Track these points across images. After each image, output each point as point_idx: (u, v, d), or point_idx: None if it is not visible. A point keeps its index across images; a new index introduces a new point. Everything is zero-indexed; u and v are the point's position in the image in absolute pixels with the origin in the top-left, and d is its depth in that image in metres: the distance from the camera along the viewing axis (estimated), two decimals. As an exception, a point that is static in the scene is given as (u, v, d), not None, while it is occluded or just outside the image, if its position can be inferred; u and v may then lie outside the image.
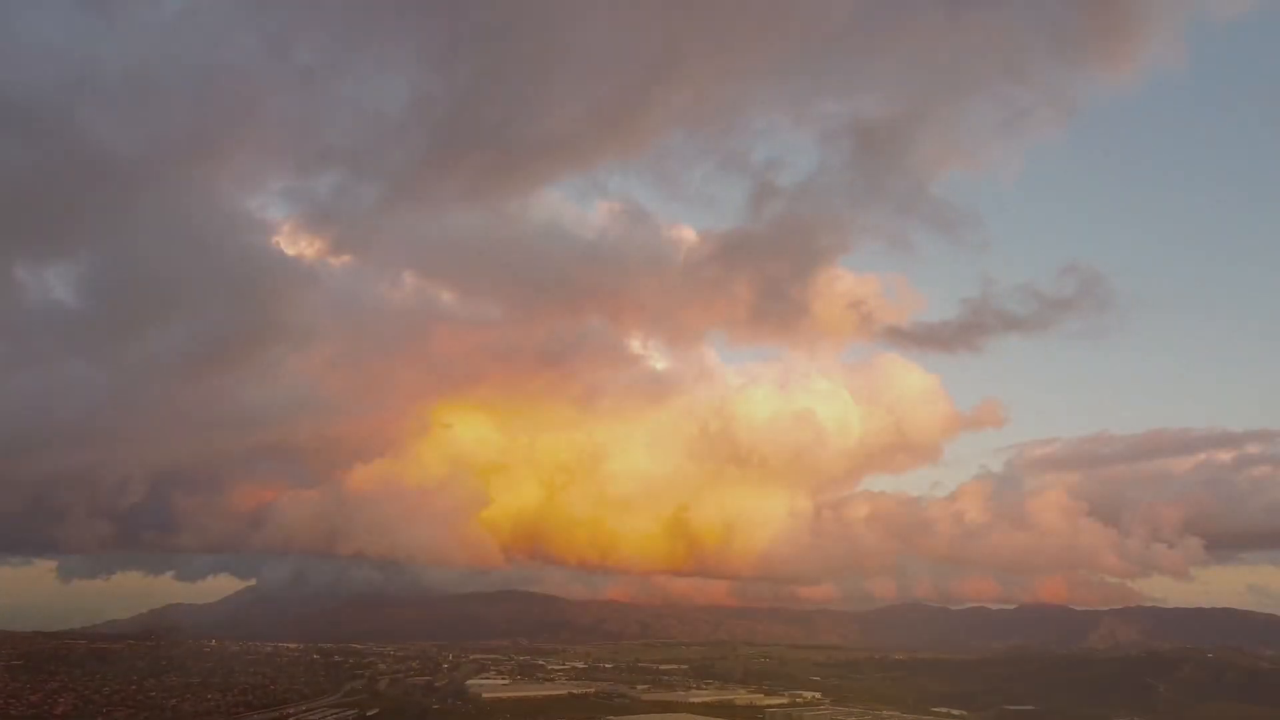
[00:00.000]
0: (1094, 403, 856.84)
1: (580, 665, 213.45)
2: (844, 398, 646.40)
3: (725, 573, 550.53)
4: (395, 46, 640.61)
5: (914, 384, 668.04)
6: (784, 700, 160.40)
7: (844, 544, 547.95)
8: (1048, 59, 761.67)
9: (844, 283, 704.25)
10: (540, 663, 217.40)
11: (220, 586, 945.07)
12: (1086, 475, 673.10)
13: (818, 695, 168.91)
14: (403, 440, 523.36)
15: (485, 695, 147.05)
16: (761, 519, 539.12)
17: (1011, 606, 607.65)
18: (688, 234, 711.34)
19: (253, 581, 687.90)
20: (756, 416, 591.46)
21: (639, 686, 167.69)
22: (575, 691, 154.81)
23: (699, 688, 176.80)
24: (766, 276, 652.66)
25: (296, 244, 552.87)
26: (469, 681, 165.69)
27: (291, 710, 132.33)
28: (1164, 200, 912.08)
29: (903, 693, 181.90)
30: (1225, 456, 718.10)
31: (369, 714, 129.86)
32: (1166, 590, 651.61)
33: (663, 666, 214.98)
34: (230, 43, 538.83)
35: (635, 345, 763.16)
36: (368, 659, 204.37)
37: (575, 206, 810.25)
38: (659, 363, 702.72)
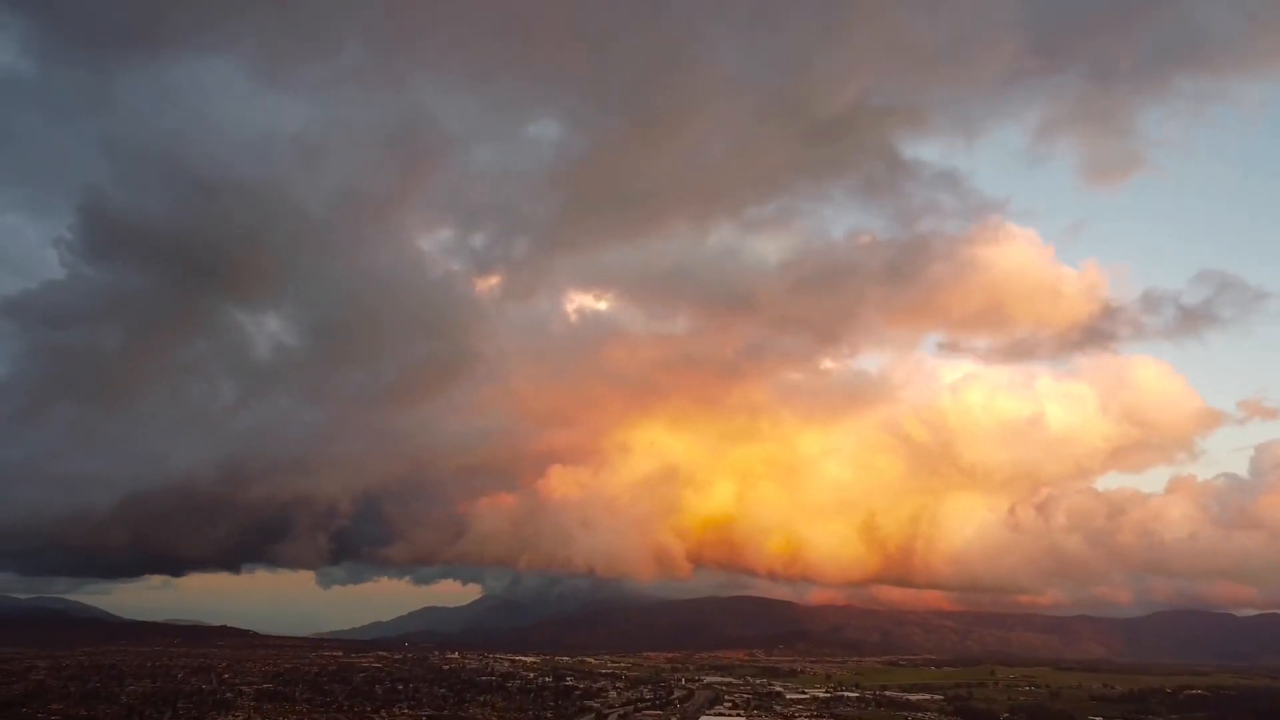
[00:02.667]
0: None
1: (820, 693, 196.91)
2: (1072, 395, 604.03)
3: (937, 582, 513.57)
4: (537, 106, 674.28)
5: (1150, 378, 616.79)
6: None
7: (1070, 547, 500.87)
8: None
9: (1066, 280, 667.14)
10: (777, 688, 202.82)
11: (452, 591, 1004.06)
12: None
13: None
14: (597, 455, 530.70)
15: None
16: (978, 524, 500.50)
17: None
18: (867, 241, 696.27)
19: (477, 587, 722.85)
20: (972, 418, 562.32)
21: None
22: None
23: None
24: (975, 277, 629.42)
25: (480, 283, 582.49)
26: (701, 717, 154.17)
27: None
28: None
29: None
30: None
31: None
32: None
33: (913, 696, 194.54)
34: (384, 109, 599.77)
35: (840, 351, 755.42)
36: (599, 683, 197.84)
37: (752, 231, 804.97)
38: (868, 369, 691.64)
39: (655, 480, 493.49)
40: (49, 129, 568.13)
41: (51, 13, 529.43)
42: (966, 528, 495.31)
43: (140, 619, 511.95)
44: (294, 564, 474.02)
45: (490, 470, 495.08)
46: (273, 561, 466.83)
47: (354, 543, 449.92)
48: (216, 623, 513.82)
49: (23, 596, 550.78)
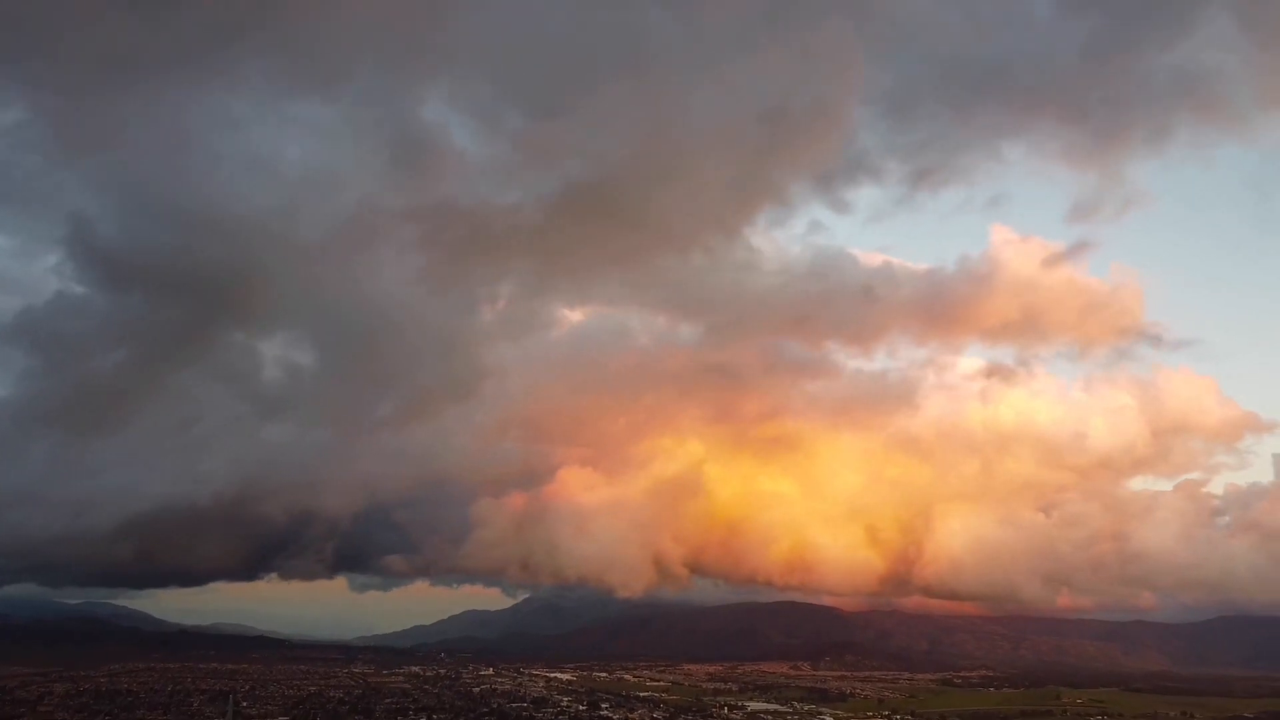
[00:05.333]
0: None
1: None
2: (1107, 403, 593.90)
3: (968, 591, 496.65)
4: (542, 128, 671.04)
5: (1184, 386, 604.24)
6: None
7: (1098, 554, 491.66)
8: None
9: (1092, 290, 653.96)
10: (827, 718, 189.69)
11: (482, 594, 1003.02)
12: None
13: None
14: (609, 467, 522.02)
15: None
16: (1004, 532, 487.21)
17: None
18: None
19: (499, 591, 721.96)
20: (999, 425, 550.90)
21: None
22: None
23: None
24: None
25: (487, 304, 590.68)
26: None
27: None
28: None
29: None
30: None
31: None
32: None
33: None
34: (387, 136, 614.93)
35: (864, 361, 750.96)
36: (636, 710, 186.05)
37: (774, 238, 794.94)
38: (893, 378, 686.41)
39: (663, 490, 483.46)
40: (50, 160, 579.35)
41: (53, 46, 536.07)
42: (993, 535, 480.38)
43: (184, 623, 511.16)
44: (303, 574, 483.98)
45: (497, 485, 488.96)
46: (284, 572, 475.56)
47: (360, 552, 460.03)
48: (258, 628, 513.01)
49: (72, 602, 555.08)
